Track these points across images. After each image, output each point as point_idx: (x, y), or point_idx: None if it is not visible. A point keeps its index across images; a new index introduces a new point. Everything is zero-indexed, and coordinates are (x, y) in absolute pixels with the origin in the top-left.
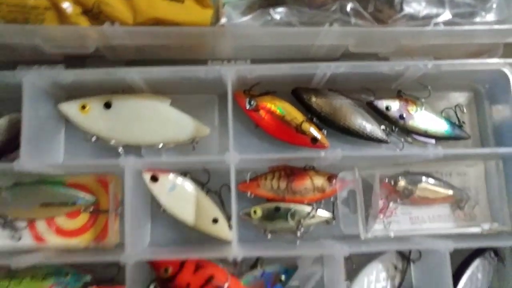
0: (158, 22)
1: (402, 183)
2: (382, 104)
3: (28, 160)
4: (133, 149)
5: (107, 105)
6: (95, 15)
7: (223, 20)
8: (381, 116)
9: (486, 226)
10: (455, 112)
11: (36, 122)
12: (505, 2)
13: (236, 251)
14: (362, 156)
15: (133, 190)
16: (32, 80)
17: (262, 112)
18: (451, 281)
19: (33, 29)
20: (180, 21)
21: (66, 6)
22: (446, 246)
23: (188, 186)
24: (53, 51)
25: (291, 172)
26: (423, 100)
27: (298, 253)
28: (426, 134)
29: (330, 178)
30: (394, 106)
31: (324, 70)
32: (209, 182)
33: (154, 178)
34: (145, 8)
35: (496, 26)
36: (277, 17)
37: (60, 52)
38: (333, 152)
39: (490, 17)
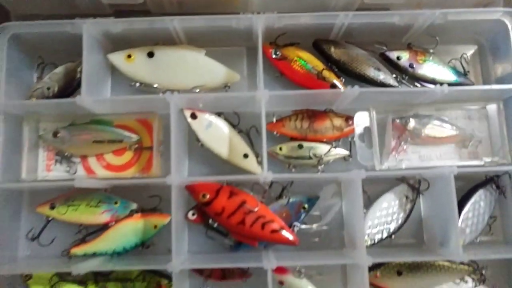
0: None
1: (412, 123)
2: (393, 54)
3: (86, 97)
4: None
5: (150, 55)
6: None
7: None
8: (392, 66)
9: (487, 159)
10: (461, 62)
11: (91, 67)
12: None
13: (267, 174)
14: (376, 92)
15: (176, 124)
16: (90, 29)
17: (286, 61)
18: (455, 203)
19: None
20: None
21: None
22: (451, 170)
23: (222, 124)
24: (107, 1)
25: (312, 114)
26: (431, 51)
27: (320, 177)
28: (434, 82)
29: (348, 119)
30: (404, 56)
31: (343, 19)
32: (239, 124)
33: (194, 116)
34: None
35: None
36: None
37: (113, 3)
38: (352, 89)
39: None
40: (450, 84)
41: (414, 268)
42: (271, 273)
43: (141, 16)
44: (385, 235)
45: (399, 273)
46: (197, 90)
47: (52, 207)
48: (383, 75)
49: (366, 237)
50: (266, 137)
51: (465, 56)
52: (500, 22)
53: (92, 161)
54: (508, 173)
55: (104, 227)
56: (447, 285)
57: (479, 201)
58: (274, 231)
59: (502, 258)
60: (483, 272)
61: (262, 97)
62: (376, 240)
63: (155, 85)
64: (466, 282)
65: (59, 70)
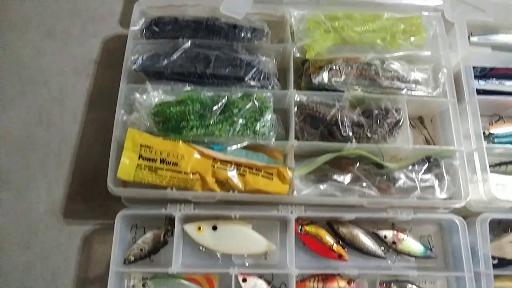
0: (257, 190)
1: (394, 287)
2: (382, 233)
3: (175, 267)
4: (227, 256)
5: (214, 228)
6: (224, 184)
7: (294, 193)
8: (381, 241)
9: None
10: (428, 240)
11: (176, 238)
12: (451, 183)
13: None
14: (366, 267)
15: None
16: (178, 213)
17: (308, 236)
18: None
19: (189, 193)
20: (270, 191)
21: (209, 179)
22: None
23: (262, 284)
24: (194, 200)
25: (325, 277)
26: (407, 232)
27: None
28: (409, 254)
29: (349, 281)
30: (389, 235)
31: (348, 216)
32: (273, 280)
33: (244, 280)
34: (252, 182)
35: (449, 201)
36: (323, 188)
37: (198, 201)
38: (353, 268)
39: (443, 194)
40: (420, 257)
41: None
42: None
43: (211, 202)
44: None
45: None
46: (246, 255)
47: None
48: (374, 248)
49: None
50: None
51: (430, 236)
52: (451, 220)
53: None
54: None
55: None
56: None
57: None
58: None
59: None
60: None
61: (293, 272)
62: None
63: (218, 253)
64: None
65: (149, 235)
